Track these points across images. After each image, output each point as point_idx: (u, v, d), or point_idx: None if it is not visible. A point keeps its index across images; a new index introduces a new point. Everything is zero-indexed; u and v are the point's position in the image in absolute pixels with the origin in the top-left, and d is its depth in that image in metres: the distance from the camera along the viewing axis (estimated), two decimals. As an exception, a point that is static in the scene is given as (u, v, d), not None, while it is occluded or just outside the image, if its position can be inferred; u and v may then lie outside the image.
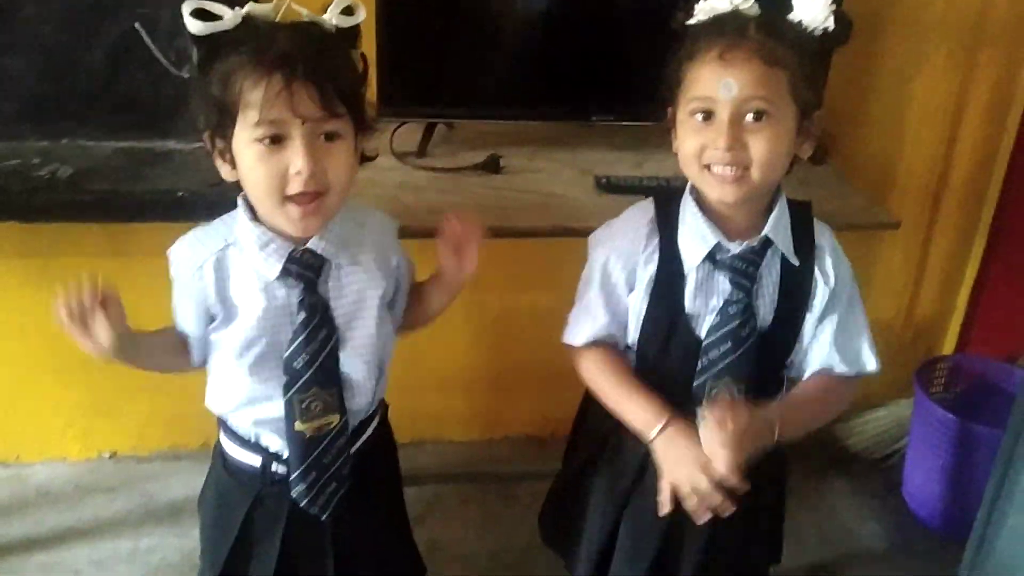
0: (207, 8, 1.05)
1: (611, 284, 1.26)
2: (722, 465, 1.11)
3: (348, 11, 1.11)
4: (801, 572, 2.02)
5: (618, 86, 1.80)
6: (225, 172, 1.13)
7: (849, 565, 2.07)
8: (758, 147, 1.10)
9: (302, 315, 1.14)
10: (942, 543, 2.03)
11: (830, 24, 1.10)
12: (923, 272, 2.36)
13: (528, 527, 2.09)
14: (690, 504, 1.16)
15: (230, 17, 1.05)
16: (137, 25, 1.71)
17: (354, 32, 1.12)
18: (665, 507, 1.18)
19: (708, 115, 1.11)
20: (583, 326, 1.29)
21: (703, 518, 1.17)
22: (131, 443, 2.27)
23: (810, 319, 1.24)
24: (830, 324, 1.25)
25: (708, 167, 1.13)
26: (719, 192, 1.14)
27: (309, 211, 1.08)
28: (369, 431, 1.31)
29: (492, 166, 1.71)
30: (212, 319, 1.19)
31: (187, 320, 1.21)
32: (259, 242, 1.13)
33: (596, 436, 1.39)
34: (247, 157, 1.07)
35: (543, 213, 1.53)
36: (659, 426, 1.19)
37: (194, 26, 1.05)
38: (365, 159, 1.18)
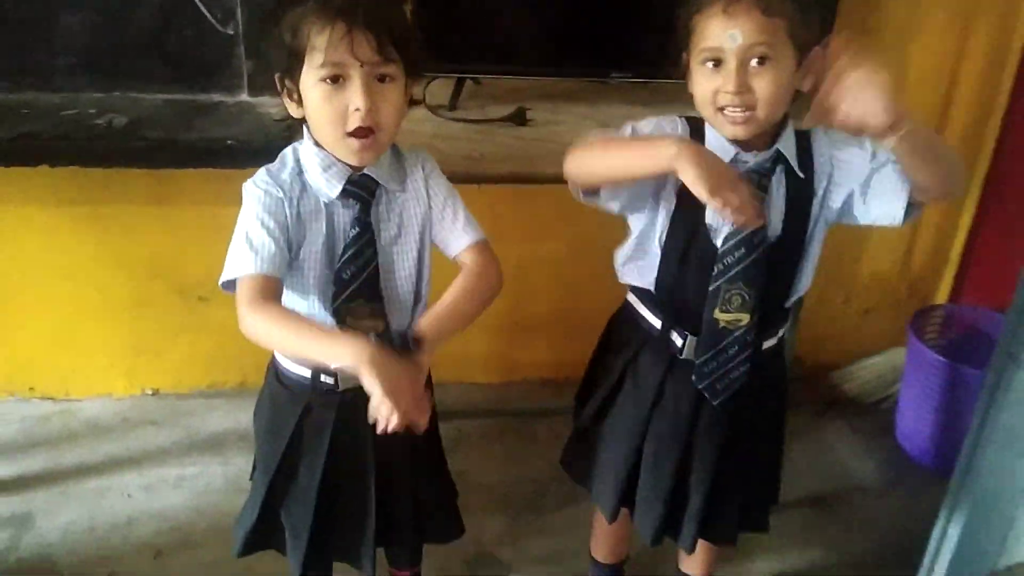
0: None
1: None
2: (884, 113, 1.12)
3: None
4: (800, 505, 2.16)
5: (635, 47, 1.92)
6: (292, 109, 1.27)
7: (845, 498, 2.22)
8: (763, 88, 1.23)
9: (355, 231, 1.28)
10: (931, 478, 2.16)
11: None
12: (918, 226, 2.48)
13: (545, 461, 2.25)
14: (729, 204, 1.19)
15: None
16: (187, -16, 1.83)
17: None
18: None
19: (717, 62, 1.25)
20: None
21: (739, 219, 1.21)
22: (172, 381, 2.42)
23: (817, 227, 1.36)
24: (878, 174, 1.31)
25: (721, 109, 1.26)
26: (731, 131, 1.28)
27: (366, 144, 1.23)
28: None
29: (519, 118, 1.84)
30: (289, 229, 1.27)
31: (271, 232, 1.25)
32: (322, 165, 1.27)
33: (614, 374, 1.52)
34: (313, 96, 1.21)
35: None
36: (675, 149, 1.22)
37: None
38: (412, 102, 1.32)
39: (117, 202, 2.12)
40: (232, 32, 1.87)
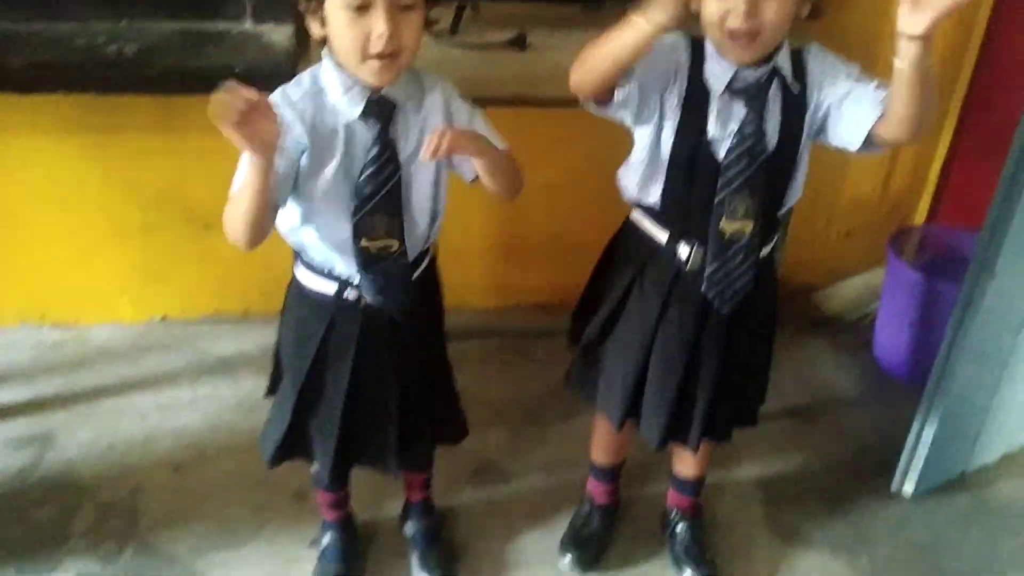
0: None
1: (659, 61, 1.40)
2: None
3: None
4: (784, 416, 2.30)
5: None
6: (315, 30, 1.32)
7: (826, 410, 2.35)
8: (771, 14, 1.29)
9: (375, 149, 1.35)
10: (907, 390, 2.27)
11: None
12: (898, 148, 2.56)
13: (542, 379, 2.37)
14: None
15: None
16: (192, -88, 1.87)
17: None
18: None
19: None
20: None
21: None
22: (180, 307, 2.49)
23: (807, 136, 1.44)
24: (858, 95, 1.38)
25: (729, 33, 1.32)
26: (736, 55, 1.35)
27: (386, 66, 1.29)
28: (423, 266, 1.52)
29: (519, 43, 1.90)
30: (298, 157, 1.35)
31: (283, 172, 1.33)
32: (343, 86, 1.33)
33: (618, 291, 1.60)
34: (337, 20, 1.26)
35: (567, 85, 1.71)
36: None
37: None
38: (428, 23, 1.38)
39: (124, 131, 2.17)
40: (237, -40, 1.91)
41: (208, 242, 2.35)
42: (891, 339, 2.44)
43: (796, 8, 1.32)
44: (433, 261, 1.57)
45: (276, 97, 1.33)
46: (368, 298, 1.44)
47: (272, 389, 1.64)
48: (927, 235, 2.53)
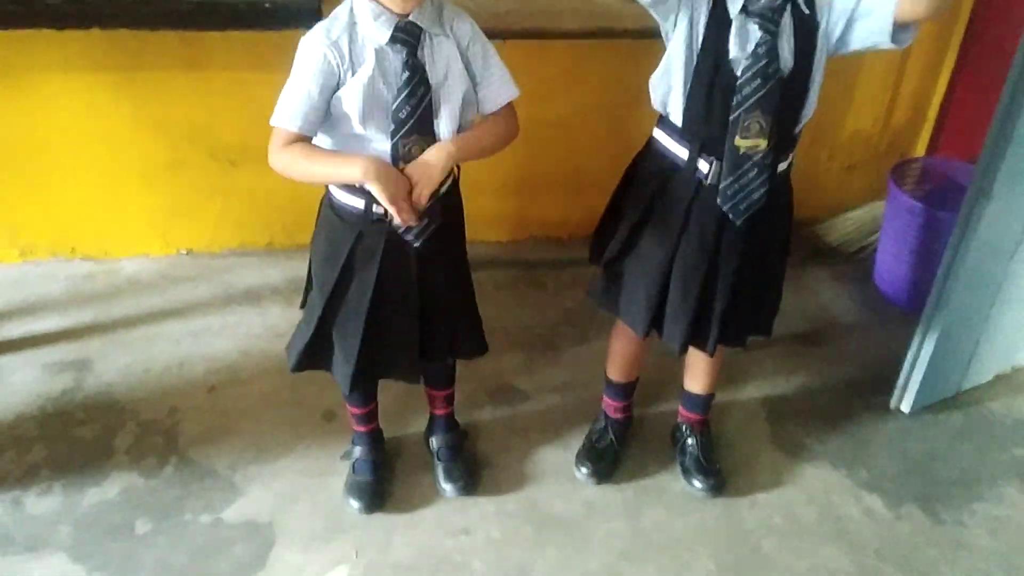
0: None
1: None
2: None
3: None
4: (787, 342, 2.40)
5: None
6: None
7: (827, 335, 2.46)
8: None
9: (406, 74, 1.44)
10: (905, 316, 2.38)
11: None
12: (899, 83, 2.64)
13: (555, 306, 2.47)
14: None
15: None
16: None
17: None
18: None
19: None
20: None
21: None
22: (205, 241, 2.58)
23: (820, 57, 1.52)
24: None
25: None
26: None
27: None
28: (446, 186, 1.60)
29: (538, -24, 1.96)
30: (335, 89, 1.44)
31: (311, 96, 1.43)
32: (372, 14, 1.42)
33: (640, 206, 1.69)
34: None
35: (585, 16, 1.79)
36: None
37: None
38: None
39: (152, 68, 2.23)
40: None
41: (233, 178, 2.44)
42: (890, 267, 2.53)
43: None
44: (456, 183, 1.66)
45: (319, 36, 1.42)
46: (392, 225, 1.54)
47: (304, 302, 1.74)
48: (927, 167, 2.60)
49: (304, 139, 1.46)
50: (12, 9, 1.87)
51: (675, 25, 1.52)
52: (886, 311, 2.54)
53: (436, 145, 1.48)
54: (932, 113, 2.70)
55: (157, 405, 2.09)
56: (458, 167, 1.63)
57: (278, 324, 2.33)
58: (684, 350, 1.75)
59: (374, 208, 1.53)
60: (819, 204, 2.78)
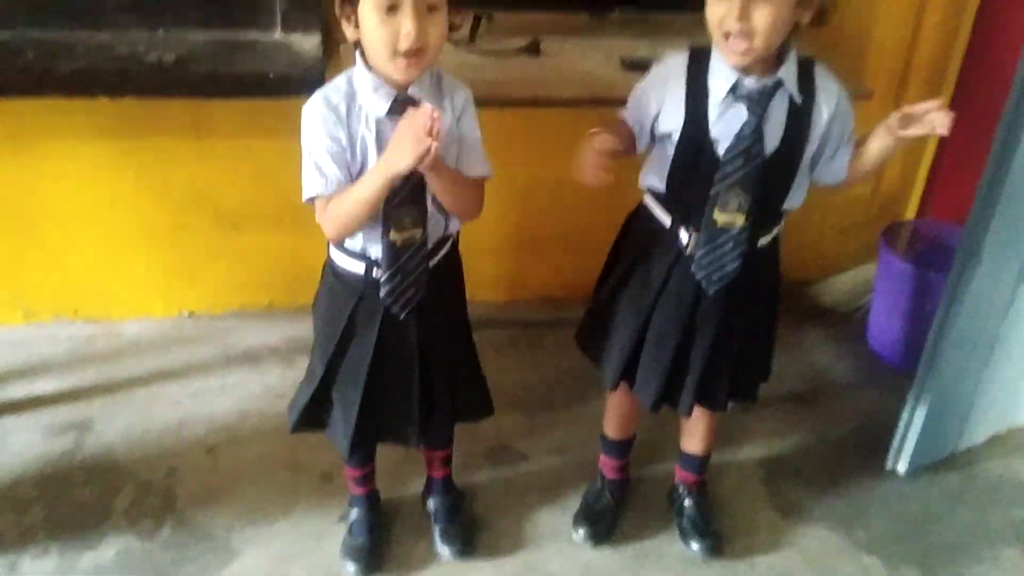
0: None
1: (647, 95, 1.61)
2: None
3: None
4: (783, 402, 2.42)
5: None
6: (349, 33, 1.45)
7: (822, 395, 2.47)
8: (761, 19, 1.42)
9: None
10: (899, 377, 2.36)
11: None
12: (890, 148, 2.69)
13: (553, 366, 2.50)
14: None
15: None
16: (225, -72, 1.99)
17: None
18: None
19: None
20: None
21: None
22: (207, 303, 2.61)
23: (810, 149, 1.58)
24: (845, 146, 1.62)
25: (726, 36, 1.46)
26: (733, 59, 1.49)
27: (413, 63, 1.41)
28: (443, 252, 1.63)
29: (533, 49, 2.04)
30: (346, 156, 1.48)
31: (339, 163, 1.47)
32: (372, 85, 1.45)
33: (626, 263, 1.75)
34: (369, 21, 1.39)
35: (580, 86, 1.85)
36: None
37: None
38: (452, 27, 1.51)
39: (157, 135, 2.29)
40: (267, -27, 2.04)
41: (235, 240, 2.48)
42: (883, 328, 2.56)
43: (791, 14, 1.45)
44: (455, 247, 1.69)
45: (320, 101, 1.47)
46: (382, 293, 1.55)
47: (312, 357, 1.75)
48: (918, 229, 2.64)
49: None
50: (21, 79, 1.92)
51: (655, 116, 1.60)
52: (880, 371, 2.55)
53: None
54: (922, 177, 2.75)
55: (155, 466, 2.10)
56: (458, 233, 1.67)
57: (277, 385, 2.35)
58: (656, 407, 1.77)
59: (374, 272, 1.56)
60: (813, 265, 2.81)
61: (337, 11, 1.44)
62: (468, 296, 1.78)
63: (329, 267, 1.65)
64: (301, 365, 1.79)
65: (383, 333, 1.61)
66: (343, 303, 1.61)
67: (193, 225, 2.45)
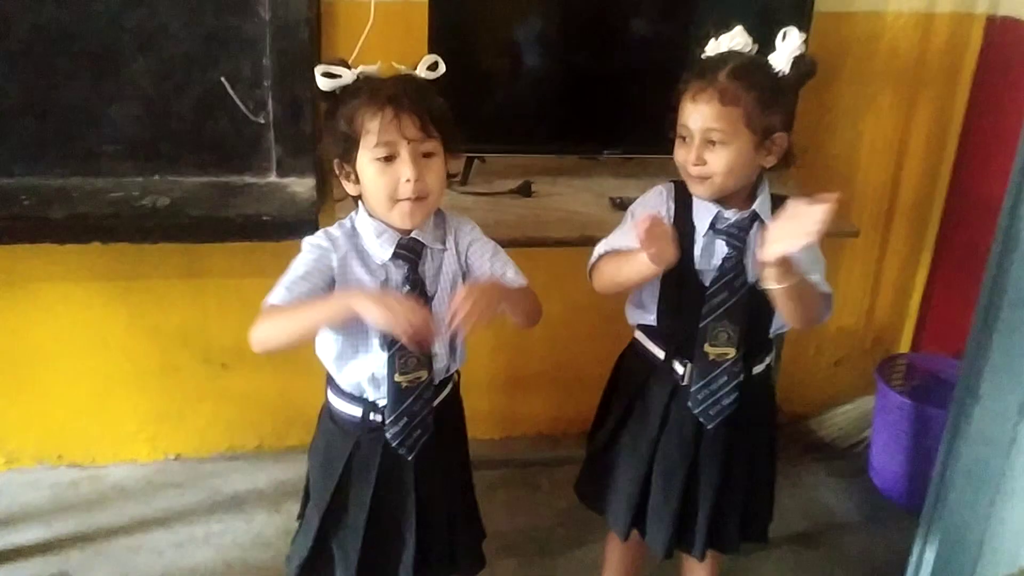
0: (331, 71, 1.42)
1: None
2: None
3: (433, 66, 1.47)
4: (788, 543, 2.34)
5: (622, 129, 2.17)
6: (349, 188, 1.47)
7: (827, 535, 2.40)
8: (715, 162, 1.49)
9: (406, 288, 1.47)
10: (904, 514, 2.34)
11: (787, 68, 1.49)
12: (879, 282, 2.72)
13: (550, 509, 2.42)
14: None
15: (348, 75, 1.43)
16: (223, 78, 2.04)
17: (438, 82, 1.48)
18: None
19: (686, 137, 1.52)
20: (610, 240, 1.62)
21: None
22: (194, 446, 2.55)
23: None
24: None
25: (688, 174, 1.52)
26: (694, 190, 1.55)
27: (415, 209, 1.43)
28: (446, 391, 1.61)
29: (525, 190, 2.07)
30: (325, 275, 1.45)
31: (311, 283, 1.43)
32: (376, 231, 1.46)
33: (624, 401, 1.72)
34: (369, 173, 1.42)
35: (570, 226, 1.87)
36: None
37: (324, 84, 1.42)
38: (450, 176, 1.53)
39: (150, 276, 2.29)
40: (263, 121, 2.08)
41: (225, 381, 2.45)
42: (885, 463, 2.52)
43: (750, 158, 1.50)
44: (456, 388, 1.66)
45: (319, 233, 1.48)
46: (389, 435, 1.53)
47: (302, 512, 1.69)
48: (913, 362, 2.64)
49: None
50: (15, 226, 1.94)
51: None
52: (884, 508, 2.49)
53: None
54: (914, 308, 2.76)
55: (136, 622, 2.01)
56: (459, 372, 1.65)
57: (263, 532, 2.27)
58: (669, 554, 1.71)
59: (371, 416, 1.54)
60: (809, 399, 2.79)
61: (336, 170, 1.47)
62: (461, 434, 1.75)
63: (327, 411, 1.62)
64: (288, 510, 1.74)
65: (380, 481, 1.56)
66: (339, 450, 1.57)
67: (183, 366, 2.42)
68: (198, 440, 2.54)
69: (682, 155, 1.53)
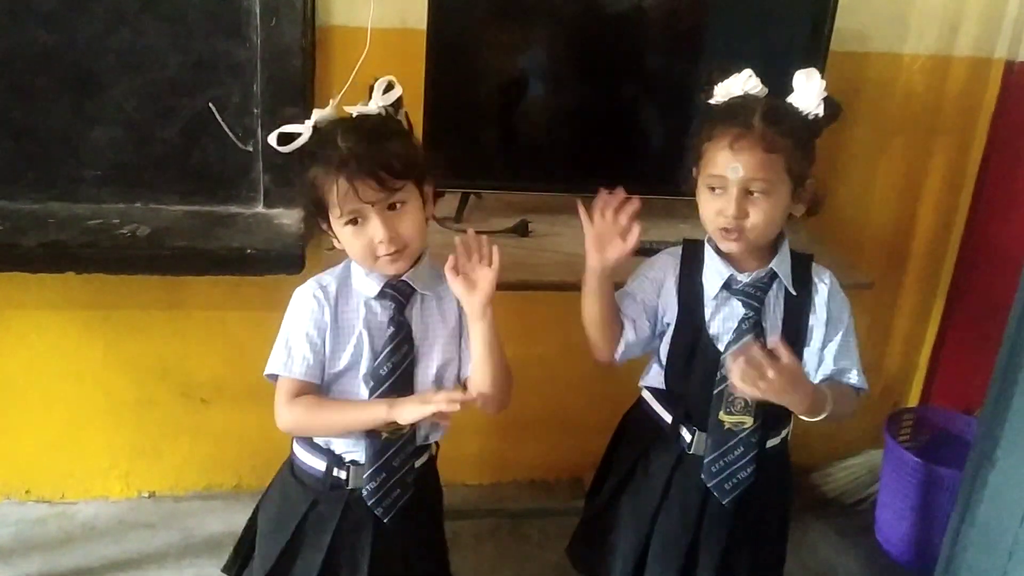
0: (287, 131, 1.36)
1: (644, 291, 1.53)
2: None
3: (389, 88, 1.39)
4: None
5: (625, 166, 2.08)
6: (336, 243, 1.43)
7: (830, 598, 2.29)
8: (756, 215, 1.39)
9: (391, 330, 1.41)
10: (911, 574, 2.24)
11: (821, 110, 1.39)
12: (889, 332, 2.63)
13: (539, 560, 2.31)
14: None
15: (303, 131, 1.36)
16: (211, 104, 1.96)
17: (396, 106, 1.40)
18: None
19: (721, 188, 1.39)
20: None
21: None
22: (169, 483, 2.44)
23: (808, 353, 1.48)
24: (831, 348, 1.50)
25: (723, 230, 1.41)
26: (727, 247, 1.45)
27: (396, 259, 1.38)
28: (426, 456, 1.52)
29: (522, 229, 1.98)
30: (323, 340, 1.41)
31: (310, 339, 1.40)
32: (365, 271, 1.42)
33: (626, 464, 1.63)
34: (344, 235, 1.38)
35: (569, 269, 1.77)
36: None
37: (281, 147, 1.37)
38: (437, 195, 1.48)
39: (128, 307, 2.19)
40: (252, 149, 2.00)
41: (204, 416, 2.35)
42: (892, 524, 2.41)
43: (785, 209, 1.41)
44: (432, 460, 1.59)
45: (313, 286, 1.43)
46: (365, 492, 1.44)
47: (230, 565, 1.62)
48: (922, 417, 2.54)
49: (306, 387, 1.40)
50: (-15, 254, 1.85)
51: (652, 323, 1.53)
52: (891, 570, 2.38)
53: None
54: (923, 362, 2.67)
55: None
56: (437, 444, 1.57)
57: (239, 579, 2.15)
58: None
59: (335, 472, 1.45)
60: (815, 452, 2.67)
61: (324, 227, 1.43)
62: (448, 478, 1.66)
63: (288, 462, 1.54)
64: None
65: (334, 547, 1.47)
66: (294, 507, 1.48)
67: (160, 400, 2.32)
68: (174, 478, 2.43)
69: (715, 207, 1.41)
